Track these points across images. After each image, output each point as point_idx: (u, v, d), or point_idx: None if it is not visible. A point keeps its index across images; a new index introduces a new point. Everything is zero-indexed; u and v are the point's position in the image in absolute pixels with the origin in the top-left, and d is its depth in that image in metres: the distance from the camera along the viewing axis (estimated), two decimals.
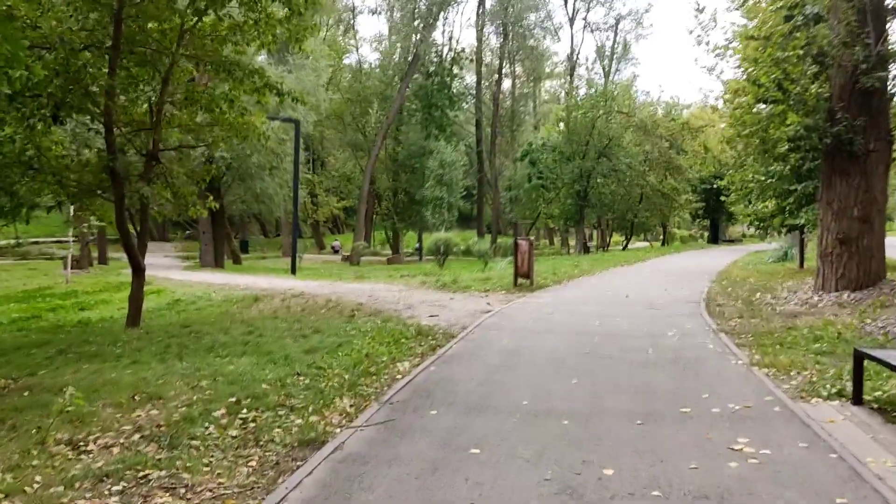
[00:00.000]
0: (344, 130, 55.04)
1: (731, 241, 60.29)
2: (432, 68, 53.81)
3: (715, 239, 57.19)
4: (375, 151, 45.83)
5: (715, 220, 56.83)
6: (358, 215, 47.29)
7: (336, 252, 56.88)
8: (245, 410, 5.98)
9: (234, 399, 6.35)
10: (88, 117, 12.83)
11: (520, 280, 16.70)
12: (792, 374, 7.21)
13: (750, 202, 21.18)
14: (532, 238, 16.35)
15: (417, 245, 50.96)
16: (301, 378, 7.22)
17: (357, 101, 52.45)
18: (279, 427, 5.53)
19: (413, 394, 6.48)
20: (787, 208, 19.14)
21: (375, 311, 12.66)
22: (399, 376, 7.31)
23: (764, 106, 20.73)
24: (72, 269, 30.52)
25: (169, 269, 33.11)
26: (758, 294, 14.87)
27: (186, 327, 11.76)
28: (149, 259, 44.68)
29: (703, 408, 5.93)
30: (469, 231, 71.22)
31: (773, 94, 13.71)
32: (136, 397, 6.63)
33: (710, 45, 40.32)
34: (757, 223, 20.72)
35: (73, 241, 28.74)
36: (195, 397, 6.52)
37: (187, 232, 57.82)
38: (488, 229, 61.80)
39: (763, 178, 20.81)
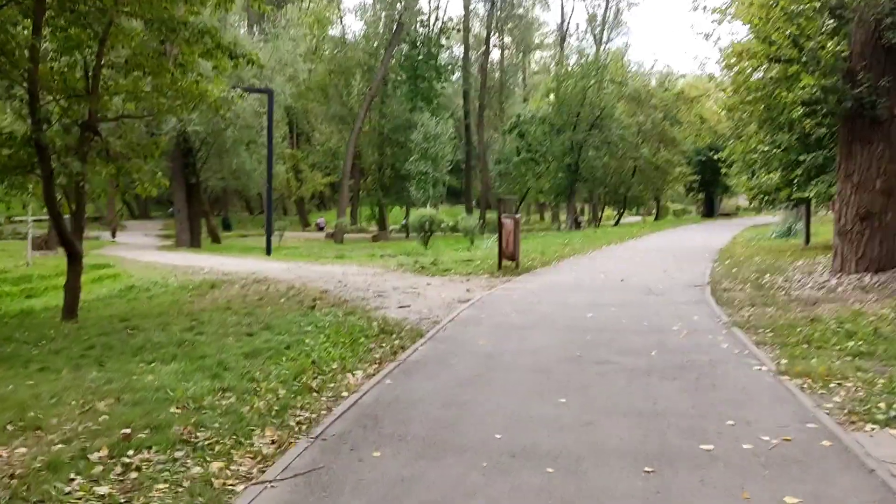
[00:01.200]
0: (327, 103, 53.18)
1: (727, 215, 59.05)
2: (419, 38, 51.91)
3: (710, 213, 55.90)
4: (358, 124, 44.13)
5: (710, 194, 55.49)
6: (341, 191, 45.73)
7: (320, 229, 55.36)
8: (133, 451, 4.55)
9: (128, 430, 4.93)
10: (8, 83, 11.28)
11: (505, 262, 15.28)
12: (831, 386, 5.83)
13: (753, 174, 19.75)
14: (519, 216, 14.90)
15: (404, 221, 49.48)
16: (226, 396, 5.81)
17: (340, 73, 50.55)
18: (166, 481, 4.09)
19: (356, 422, 5.05)
20: (795, 181, 17.72)
21: (340, 300, 11.22)
22: (345, 393, 5.89)
23: (762, 73, 19.28)
24: (39, 249, 28.96)
25: (142, 250, 31.59)
26: (767, 276, 13.51)
27: (125, 321, 10.31)
28: (126, 238, 43.05)
29: (730, 442, 4.54)
30: (458, 206, 69.71)
31: (786, 52, 12.22)
32: (10, 426, 5.21)
33: (708, 8, 38.67)
34: (761, 196, 19.32)
35: (32, 220, 26.96)
36: (82, 427, 5.09)
37: (170, 210, 56.05)
38: (477, 204, 60.31)
39: (767, 149, 19.39)
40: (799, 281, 12.46)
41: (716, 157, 34.04)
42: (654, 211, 60.30)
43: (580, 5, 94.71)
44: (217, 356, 7.35)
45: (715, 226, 39.31)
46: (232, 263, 20.28)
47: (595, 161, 40.09)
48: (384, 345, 7.78)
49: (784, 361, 6.65)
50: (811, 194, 16.73)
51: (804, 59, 11.92)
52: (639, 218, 63.09)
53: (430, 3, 56.82)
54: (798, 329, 8.13)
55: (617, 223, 48.94)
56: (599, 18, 63.37)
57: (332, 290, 12.58)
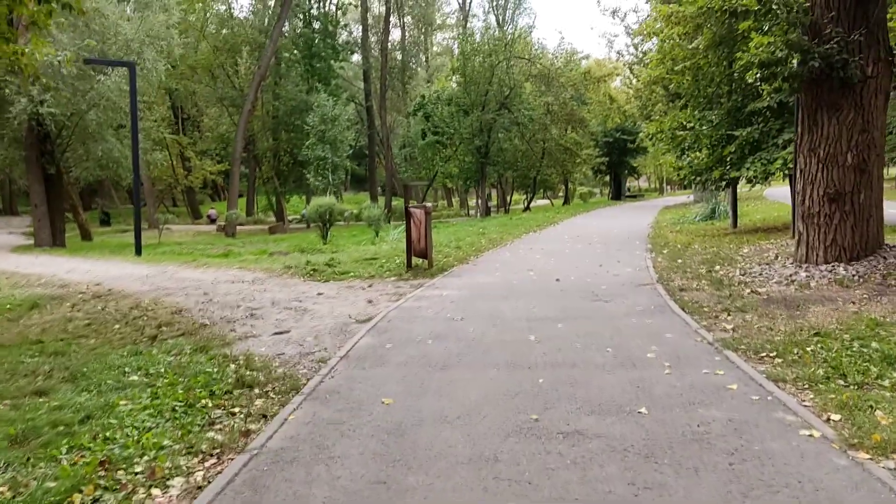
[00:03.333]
0: (214, 84, 48.91)
1: (633, 197, 58.82)
2: (313, 14, 48.49)
3: (618, 195, 55.31)
4: (248, 106, 40.37)
5: (617, 176, 54.88)
6: (231, 179, 41.86)
7: (212, 221, 51.38)
8: None
9: None
10: None
11: (415, 260, 12.78)
12: None
13: (683, 153, 18.02)
14: (430, 204, 12.40)
15: (304, 211, 46.19)
16: None
17: (226, 51, 46.43)
18: None
19: None
20: (729, 159, 16.04)
21: (196, 326, 8.40)
22: None
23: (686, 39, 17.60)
24: None
25: None
26: (718, 268, 11.60)
27: None
28: None
29: None
30: (363, 193, 66.56)
31: (745, 2, 10.19)
32: None
33: None
34: (692, 177, 17.63)
35: None
36: None
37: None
38: (382, 191, 57.48)
39: (693, 124, 17.69)
40: (760, 274, 10.56)
41: (640, 133, 32.75)
42: (563, 194, 59.30)
43: None
44: None
45: (627, 209, 38.19)
46: (85, 269, 16.81)
47: (505, 143, 38.08)
48: (237, 410, 5.10)
49: (836, 418, 4.47)
50: (751, 173, 15.05)
51: (774, 7, 9.92)
52: (546, 201, 62.03)
53: None
54: (810, 349, 6.06)
55: (527, 208, 47.34)
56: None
57: (193, 307, 9.70)
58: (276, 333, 7.76)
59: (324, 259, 14.68)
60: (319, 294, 10.49)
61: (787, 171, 14.39)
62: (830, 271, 9.77)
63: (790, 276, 10.02)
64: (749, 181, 15.97)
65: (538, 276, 11.60)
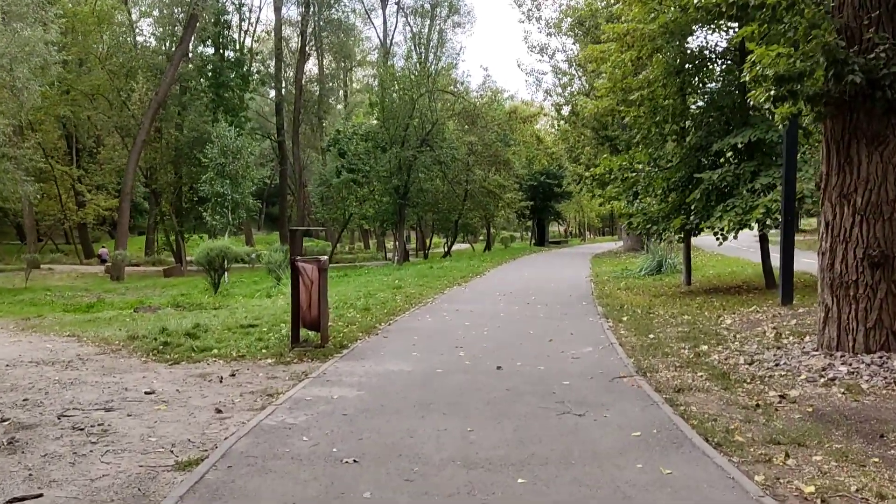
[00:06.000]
0: (110, 111, 44.31)
1: (557, 243, 57.01)
2: (222, 41, 44.90)
3: (542, 241, 53.26)
4: (142, 136, 36.22)
5: (541, 221, 52.91)
6: (120, 216, 37.29)
7: (103, 262, 46.16)
8: None
9: None
10: None
11: (303, 333, 9.40)
12: None
13: (636, 197, 15.43)
14: (324, 258, 9.04)
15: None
16: None
17: (122, 75, 42.12)
18: None
19: None
20: (693, 206, 13.49)
21: None
22: None
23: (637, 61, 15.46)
24: None
25: None
26: (706, 348, 8.75)
27: None
28: None
29: None
30: (276, 234, 62.26)
31: None
32: None
33: (542, 21, 35.52)
34: (647, 225, 15.03)
35: None
36: None
37: None
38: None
39: (644, 167, 15.19)
40: (776, 364, 7.74)
41: (565, 178, 30.59)
42: (484, 238, 56.96)
43: (404, 22, 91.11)
44: None
45: (555, 256, 35.79)
46: None
47: (426, 183, 35.18)
48: None
49: None
50: (724, 224, 12.50)
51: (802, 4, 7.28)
52: (467, 245, 59.52)
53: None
54: None
55: (447, 253, 44.48)
56: (424, 38, 59.31)
57: None
58: (12, 501, 4.26)
59: (188, 325, 11.08)
60: (147, 393, 6.96)
61: (773, 223, 11.87)
62: (881, 365, 7.04)
63: (823, 370, 7.22)
64: (717, 234, 13.43)
65: (472, 361, 8.39)
